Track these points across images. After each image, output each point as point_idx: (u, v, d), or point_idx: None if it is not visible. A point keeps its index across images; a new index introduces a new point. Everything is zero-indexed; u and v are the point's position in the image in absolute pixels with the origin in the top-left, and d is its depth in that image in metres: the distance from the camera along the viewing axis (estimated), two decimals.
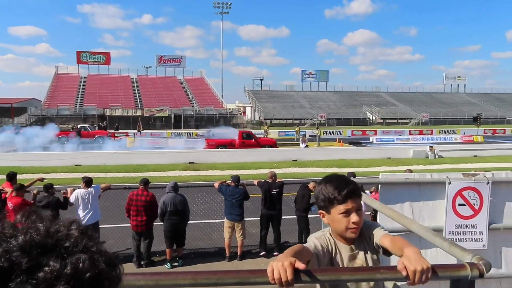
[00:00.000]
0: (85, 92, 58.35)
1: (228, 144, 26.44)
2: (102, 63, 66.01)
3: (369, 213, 6.91)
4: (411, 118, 63.73)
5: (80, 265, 0.56)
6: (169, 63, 68.97)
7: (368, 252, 1.78)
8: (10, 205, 6.54)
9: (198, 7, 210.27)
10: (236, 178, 7.70)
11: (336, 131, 46.73)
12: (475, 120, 42.87)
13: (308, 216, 7.91)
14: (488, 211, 3.29)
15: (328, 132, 45.74)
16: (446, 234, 3.20)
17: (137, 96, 59.65)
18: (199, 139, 30.40)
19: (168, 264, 7.31)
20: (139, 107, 54.30)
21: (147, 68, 69.47)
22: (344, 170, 15.65)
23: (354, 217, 1.67)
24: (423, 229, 1.73)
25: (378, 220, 3.31)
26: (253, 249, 8.05)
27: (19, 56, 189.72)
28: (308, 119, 59.42)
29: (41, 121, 45.82)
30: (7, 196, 6.76)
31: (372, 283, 1.75)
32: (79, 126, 36.83)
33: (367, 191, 7.93)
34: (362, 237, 1.78)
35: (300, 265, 1.23)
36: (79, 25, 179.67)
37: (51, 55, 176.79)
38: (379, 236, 1.72)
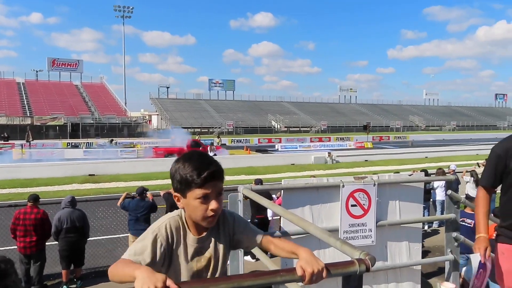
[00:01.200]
0: None
1: (176, 153, 25.75)
2: None
3: (279, 217, 7.17)
4: (311, 127, 68.07)
5: None
6: (63, 67, 63.50)
7: (221, 243, 1.60)
8: None
9: (96, 9, 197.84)
10: (140, 191, 7.31)
11: (243, 139, 47.75)
12: (365, 128, 47.58)
13: None
14: (375, 210, 3.65)
15: (235, 140, 46.54)
16: (341, 233, 3.47)
17: (25, 102, 53.71)
18: (146, 148, 29.29)
19: (65, 287, 6.67)
20: (28, 115, 48.96)
21: (37, 72, 63.00)
22: (251, 177, 16.03)
23: (213, 204, 1.46)
24: (319, 230, 1.86)
25: (281, 224, 3.46)
26: None
27: None
28: (216, 127, 59.70)
29: None
30: None
31: (212, 265, 1.59)
32: None
33: (274, 196, 8.27)
34: (218, 225, 1.60)
35: (172, 284, 1.15)
36: None
37: None
38: (259, 241, 1.63)
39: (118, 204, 7.28)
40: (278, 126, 66.35)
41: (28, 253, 6.49)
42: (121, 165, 20.52)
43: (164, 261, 1.50)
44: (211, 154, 27.04)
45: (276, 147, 39.41)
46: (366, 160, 26.04)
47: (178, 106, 67.76)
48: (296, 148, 39.64)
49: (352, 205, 3.54)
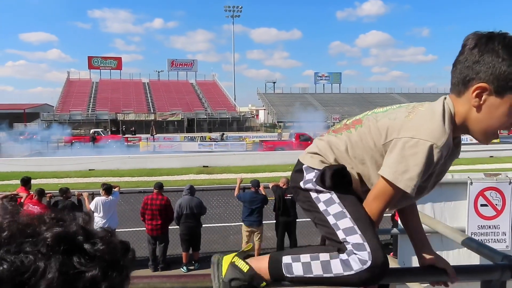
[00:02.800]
0: (97, 97, 58.95)
1: (285, 146, 27.86)
2: (114, 68, 66.53)
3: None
4: None
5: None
6: (181, 67, 69.44)
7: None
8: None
9: (209, 11, 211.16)
10: (256, 183, 7.61)
11: None
12: None
13: None
14: (510, 212, 3.22)
15: None
16: (469, 235, 3.14)
17: (150, 100, 60.20)
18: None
19: (184, 267, 7.33)
20: (152, 112, 54.81)
21: (159, 72, 70.07)
22: None
23: None
24: (449, 230, 1.70)
25: (399, 219, 3.26)
26: (271, 252, 8.02)
27: (30, 63, 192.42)
28: (321, 121, 59.15)
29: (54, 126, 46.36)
30: (22, 201, 6.83)
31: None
32: (91, 131, 37.34)
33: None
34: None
35: None
36: (90, 30, 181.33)
37: (63, 61, 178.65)
38: None
39: (235, 194, 7.71)
40: None
41: (155, 235, 7.30)
42: (231, 158, 21.69)
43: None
44: None
45: None
46: (491, 156, 23.11)
47: (284, 101, 68.73)
48: None
49: (482, 205, 3.17)
